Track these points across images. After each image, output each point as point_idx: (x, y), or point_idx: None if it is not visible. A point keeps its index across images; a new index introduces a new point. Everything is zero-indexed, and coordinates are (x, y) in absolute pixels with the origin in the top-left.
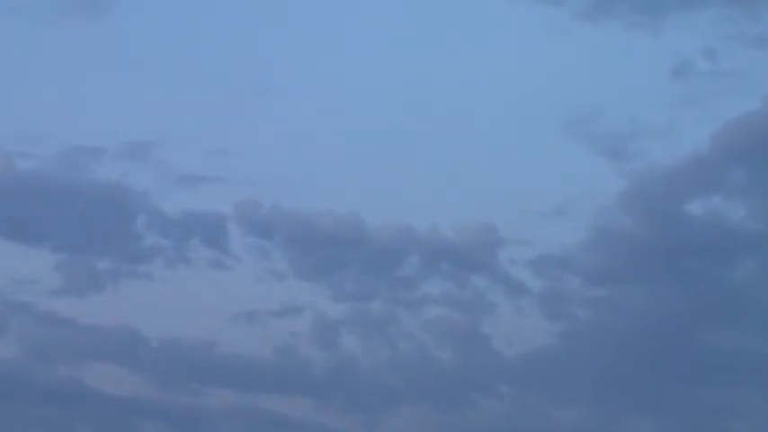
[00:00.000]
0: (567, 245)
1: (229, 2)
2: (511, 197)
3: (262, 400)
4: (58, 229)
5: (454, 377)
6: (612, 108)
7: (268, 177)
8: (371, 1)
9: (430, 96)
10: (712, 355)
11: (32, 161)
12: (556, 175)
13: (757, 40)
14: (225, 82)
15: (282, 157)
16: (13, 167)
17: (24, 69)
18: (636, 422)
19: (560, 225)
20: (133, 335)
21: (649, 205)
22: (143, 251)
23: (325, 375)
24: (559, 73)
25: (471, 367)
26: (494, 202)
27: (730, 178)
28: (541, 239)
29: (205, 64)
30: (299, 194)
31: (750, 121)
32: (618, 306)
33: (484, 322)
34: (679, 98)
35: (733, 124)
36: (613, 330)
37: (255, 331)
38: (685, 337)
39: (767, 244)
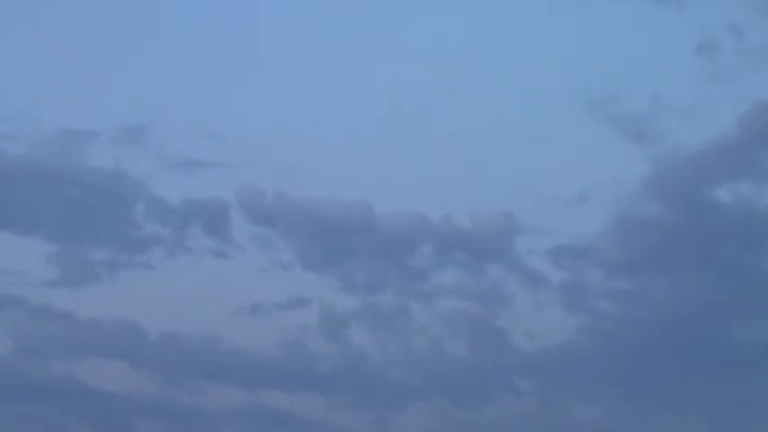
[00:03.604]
0: (588, 233)
1: None
2: (528, 183)
3: (267, 397)
4: (51, 218)
5: (470, 373)
6: (634, 88)
7: (271, 162)
8: None
9: (443, 77)
10: (744, 349)
11: (21, 145)
12: (575, 160)
13: None
14: (218, 59)
15: (285, 140)
16: (0, 151)
17: (9, 48)
18: (663, 420)
19: (581, 212)
20: (132, 328)
21: (675, 191)
22: (141, 240)
23: (333, 371)
24: (578, 51)
25: (488, 363)
26: (511, 189)
27: (760, 162)
28: (561, 228)
29: (198, 40)
30: (305, 180)
31: None
32: (642, 298)
33: (500, 315)
34: (704, 77)
35: (761, 105)
36: (638, 324)
37: (260, 324)
38: (715, 329)
39: None
